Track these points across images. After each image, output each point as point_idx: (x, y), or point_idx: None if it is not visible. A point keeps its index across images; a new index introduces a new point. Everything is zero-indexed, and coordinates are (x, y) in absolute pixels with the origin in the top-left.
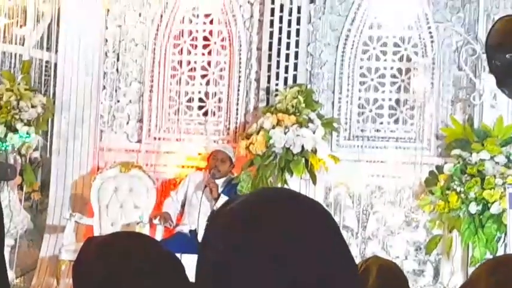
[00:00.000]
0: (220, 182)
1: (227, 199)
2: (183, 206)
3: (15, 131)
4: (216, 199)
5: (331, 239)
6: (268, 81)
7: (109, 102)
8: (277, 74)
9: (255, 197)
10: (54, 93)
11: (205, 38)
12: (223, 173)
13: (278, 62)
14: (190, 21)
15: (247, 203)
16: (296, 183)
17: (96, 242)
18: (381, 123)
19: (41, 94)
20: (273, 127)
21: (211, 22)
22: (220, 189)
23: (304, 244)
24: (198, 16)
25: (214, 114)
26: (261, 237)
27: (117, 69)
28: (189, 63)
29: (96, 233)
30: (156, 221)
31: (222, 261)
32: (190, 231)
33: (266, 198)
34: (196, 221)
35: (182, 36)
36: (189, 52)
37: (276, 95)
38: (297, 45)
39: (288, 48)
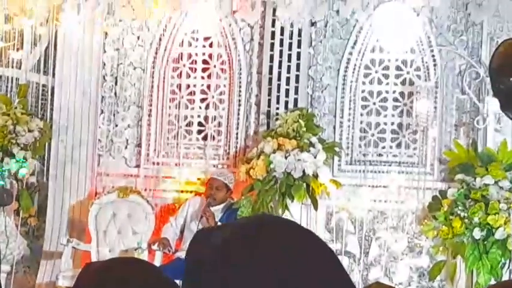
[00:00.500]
0: (219, 207)
1: (220, 224)
2: (182, 231)
3: (12, 155)
4: None
5: (331, 261)
6: (269, 105)
7: (107, 126)
8: (278, 98)
9: (252, 219)
10: (51, 117)
11: (205, 62)
12: (218, 201)
13: (279, 85)
14: (190, 44)
15: (245, 223)
16: (297, 208)
17: (94, 268)
18: (383, 147)
19: (38, 118)
20: (274, 151)
21: (210, 45)
22: (219, 215)
23: (304, 263)
24: (197, 39)
25: (213, 139)
26: (259, 255)
27: (115, 93)
28: (188, 86)
29: (93, 259)
30: (154, 247)
31: (219, 279)
32: None
33: (263, 219)
34: None
35: (181, 59)
36: (188, 75)
37: (277, 119)
38: (297, 69)
39: (288, 71)
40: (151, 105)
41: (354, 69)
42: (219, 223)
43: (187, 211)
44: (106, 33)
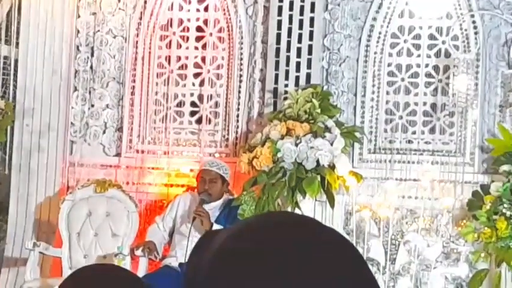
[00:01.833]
0: (216, 205)
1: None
2: (171, 234)
3: None
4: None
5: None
6: (276, 82)
7: (81, 106)
8: (287, 73)
9: (257, 222)
10: (14, 97)
11: (199, 29)
12: (214, 196)
13: (288, 57)
14: (181, 8)
15: (248, 229)
16: (310, 206)
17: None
18: (414, 132)
19: None
20: (282, 137)
21: (206, 9)
22: (216, 213)
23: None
24: (190, 2)
25: (209, 122)
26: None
27: (91, 67)
28: (179, 59)
29: (65, 267)
30: (138, 252)
31: None
32: (180, 264)
33: (270, 224)
34: (187, 252)
35: (171, 26)
36: (179, 46)
37: (285, 99)
38: (311, 38)
39: (299, 41)
40: (134, 81)
41: (379, 38)
42: (215, 225)
43: (176, 210)
44: None
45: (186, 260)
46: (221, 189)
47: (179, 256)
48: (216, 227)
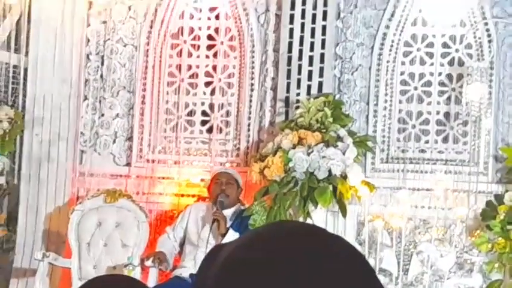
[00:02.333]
0: (229, 212)
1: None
2: (181, 245)
3: None
4: (224, 235)
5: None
6: (288, 90)
7: (91, 116)
8: (299, 82)
9: (267, 232)
10: (23, 106)
11: (210, 37)
12: (232, 198)
13: (300, 66)
14: (192, 16)
15: (258, 238)
16: (322, 215)
17: None
18: (427, 142)
19: (8, 106)
20: (294, 147)
21: (217, 17)
22: (229, 223)
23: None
24: (201, 10)
25: (220, 131)
26: (276, 282)
27: (101, 76)
28: (190, 68)
29: (74, 278)
30: (149, 263)
31: None
32: (191, 275)
33: (281, 233)
34: (198, 263)
35: (182, 34)
36: (190, 54)
37: (297, 108)
38: (323, 46)
39: (312, 49)
40: (145, 90)
41: (392, 46)
42: (231, 230)
43: (188, 220)
44: (91, 3)
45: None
46: (237, 192)
47: (190, 266)
48: (231, 232)
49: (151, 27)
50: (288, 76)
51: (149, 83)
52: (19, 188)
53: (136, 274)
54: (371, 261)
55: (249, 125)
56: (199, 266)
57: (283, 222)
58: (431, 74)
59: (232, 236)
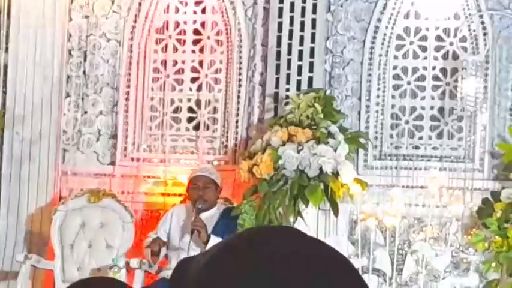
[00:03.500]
0: (211, 213)
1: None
2: (166, 247)
3: None
4: (206, 243)
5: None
6: (277, 86)
7: (74, 113)
8: (288, 77)
9: (242, 233)
10: (3, 103)
11: (197, 32)
12: (210, 202)
13: (289, 61)
14: (177, 10)
15: (231, 241)
16: (313, 214)
17: None
18: (421, 138)
19: None
20: (283, 144)
21: (203, 11)
22: (212, 224)
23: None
24: (186, 3)
25: (208, 128)
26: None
27: (83, 72)
28: (175, 63)
29: (57, 280)
30: (134, 265)
31: None
32: None
33: (254, 231)
34: None
35: (167, 29)
36: (176, 49)
37: (287, 103)
38: (312, 40)
39: (301, 43)
40: (129, 86)
41: (384, 40)
42: (213, 236)
43: (170, 224)
44: None
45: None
46: (215, 195)
47: None
48: (213, 238)
49: (135, 21)
50: (277, 71)
51: (133, 79)
52: (0, 189)
53: (122, 276)
54: (364, 261)
55: (237, 121)
56: (170, 278)
57: (258, 227)
58: (425, 68)
59: (214, 242)
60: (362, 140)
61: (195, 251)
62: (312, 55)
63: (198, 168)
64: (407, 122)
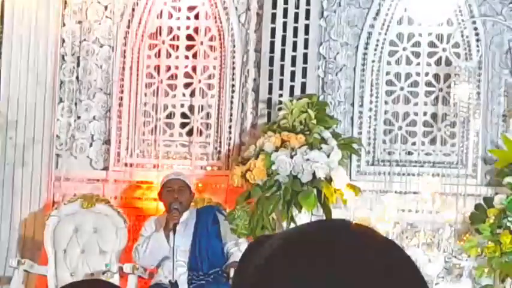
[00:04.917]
0: (186, 217)
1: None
2: None
3: None
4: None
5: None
6: (270, 92)
7: (67, 119)
8: (281, 82)
9: (309, 225)
10: None
11: (190, 37)
12: (185, 204)
13: (282, 66)
14: (170, 16)
15: (296, 232)
16: (306, 220)
17: None
18: (414, 143)
19: None
20: (276, 149)
21: (196, 17)
22: (191, 227)
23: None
24: (179, 9)
25: (201, 134)
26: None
27: (77, 77)
28: (168, 69)
29: (50, 285)
30: (127, 270)
31: None
32: (170, 282)
33: (324, 225)
34: (175, 269)
35: (160, 34)
36: (169, 55)
37: (280, 109)
38: (306, 46)
39: (294, 49)
40: (122, 92)
41: (377, 46)
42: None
43: (150, 236)
44: (65, 2)
45: (174, 277)
46: (189, 198)
47: (167, 274)
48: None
49: (128, 27)
50: (270, 77)
51: (127, 85)
52: None
53: (115, 281)
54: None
55: (230, 127)
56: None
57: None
58: (418, 74)
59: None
60: (355, 146)
61: (181, 256)
62: (305, 61)
63: (191, 173)
64: (400, 128)
